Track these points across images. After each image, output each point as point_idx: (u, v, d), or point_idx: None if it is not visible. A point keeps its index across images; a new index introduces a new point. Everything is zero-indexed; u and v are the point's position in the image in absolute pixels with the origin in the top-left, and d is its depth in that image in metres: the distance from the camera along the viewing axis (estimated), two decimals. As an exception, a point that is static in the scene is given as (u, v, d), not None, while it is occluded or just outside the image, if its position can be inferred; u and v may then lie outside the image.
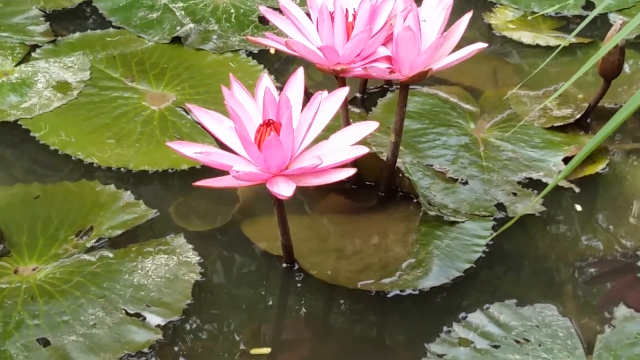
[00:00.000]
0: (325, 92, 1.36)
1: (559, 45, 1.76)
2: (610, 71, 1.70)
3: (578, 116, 1.77)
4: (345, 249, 1.51)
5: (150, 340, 1.33)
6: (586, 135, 1.75)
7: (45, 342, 1.32)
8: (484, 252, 1.50)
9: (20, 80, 1.81)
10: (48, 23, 1.98)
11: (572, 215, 1.62)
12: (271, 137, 1.27)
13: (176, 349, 1.35)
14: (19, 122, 1.73)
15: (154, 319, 1.36)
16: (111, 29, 1.99)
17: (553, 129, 1.75)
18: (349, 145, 1.33)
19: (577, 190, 1.64)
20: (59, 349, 1.31)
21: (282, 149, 1.28)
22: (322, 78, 1.83)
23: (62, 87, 1.80)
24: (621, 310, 1.40)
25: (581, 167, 1.66)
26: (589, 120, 1.78)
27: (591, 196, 1.65)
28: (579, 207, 1.63)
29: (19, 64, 1.86)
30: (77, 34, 1.96)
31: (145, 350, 1.33)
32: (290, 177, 1.31)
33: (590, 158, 1.67)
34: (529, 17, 2.10)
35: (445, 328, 1.37)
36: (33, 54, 1.89)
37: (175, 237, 1.50)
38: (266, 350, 1.36)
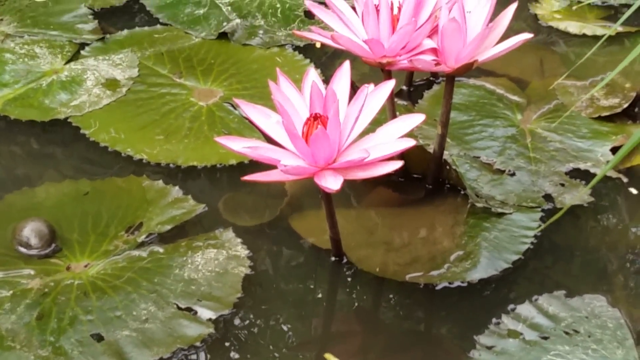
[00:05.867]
0: (372, 85, 1.36)
1: (605, 35, 1.75)
2: (658, 60, 1.70)
3: (625, 105, 1.76)
4: (393, 241, 1.51)
5: (202, 334, 1.35)
6: (634, 124, 1.74)
7: (99, 338, 1.33)
8: (532, 243, 1.50)
9: (69, 78, 1.84)
10: (96, 21, 2.00)
11: (620, 206, 1.61)
12: (318, 131, 1.28)
13: (227, 342, 1.36)
14: (69, 120, 1.74)
15: (205, 313, 1.37)
16: (159, 26, 2.01)
17: (600, 118, 1.74)
18: (395, 138, 1.33)
19: (625, 180, 1.63)
20: (113, 344, 1.32)
21: (329, 142, 1.29)
22: (369, 70, 1.82)
23: (111, 84, 1.82)
24: (672, 301, 1.40)
25: (629, 156, 1.65)
26: (636, 110, 1.77)
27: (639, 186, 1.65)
28: (634, 191, 1.62)
29: (68, 62, 1.88)
30: (125, 32, 1.98)
31: (198, 344, 1.34)
32: (337, 170, 1.32)
33: (638, 147, 1.66)
34: (575, 7, 2.09)
35: (494, 320, 1.37)
36: (82, 52, 1.91)
37: (224, 231, 1.51)
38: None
